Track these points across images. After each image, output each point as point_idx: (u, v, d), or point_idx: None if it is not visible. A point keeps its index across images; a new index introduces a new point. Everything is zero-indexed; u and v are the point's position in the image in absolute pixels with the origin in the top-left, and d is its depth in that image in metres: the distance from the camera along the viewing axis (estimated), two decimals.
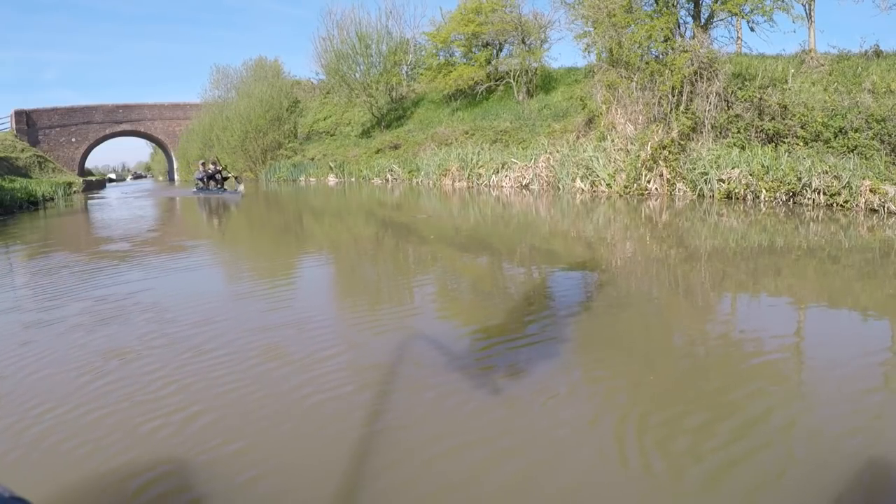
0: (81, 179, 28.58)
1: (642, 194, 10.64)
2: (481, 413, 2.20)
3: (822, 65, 13.68)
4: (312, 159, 25.93)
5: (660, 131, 10.97)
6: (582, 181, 11.95)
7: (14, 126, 30.48)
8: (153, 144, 47.17)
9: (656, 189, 10.62)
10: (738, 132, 10.44)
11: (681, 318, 3.37)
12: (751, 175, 9.15)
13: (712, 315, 3.28)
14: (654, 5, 12.62)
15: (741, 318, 3.23)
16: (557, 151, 13.17)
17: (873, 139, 8.79)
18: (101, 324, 3.49)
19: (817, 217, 7.36)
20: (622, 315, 3.33)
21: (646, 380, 2.43)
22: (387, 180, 19.30)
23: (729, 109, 11.06)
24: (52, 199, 19.80)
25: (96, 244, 7.94)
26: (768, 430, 1.98)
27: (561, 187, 12.39)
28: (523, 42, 21.31)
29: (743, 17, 12.40)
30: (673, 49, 12.14)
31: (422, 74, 25.95)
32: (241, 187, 16.41)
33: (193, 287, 4.72)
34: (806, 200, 8.37)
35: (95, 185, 30.57)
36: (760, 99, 10.63)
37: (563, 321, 3.26)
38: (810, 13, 14.65)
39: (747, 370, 2.51)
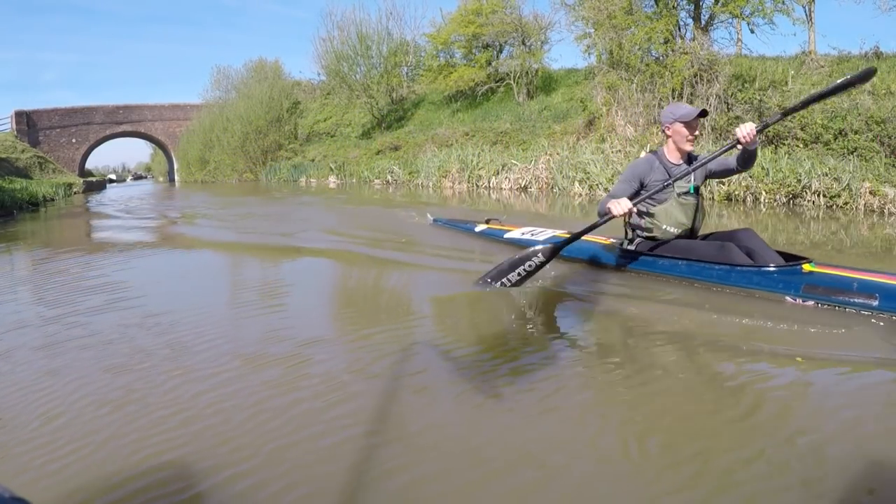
0: (82, 180, 28.63)
1: None
2: (491, 418, 2.19)
3: (823, 66, 13.69)
4: (313, 160, 25.96)
5: (660, 133, 10.98)
6: (580, 185, 11.95)
7: (14, 127, 30.53)
8: (153, 145, 47.21)
9: None
10: None
11: (689, 320, 3.36)
12: (750, 177, 9.15)
13: (723, 318, 3.26)
14: (655, 7, 12.65)
15: (749, 318, 3.22)
16: (557, 153, 13.17)
17: (873, 141, 8.80)
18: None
19: (817, 216, 7.36)
20: (630, 318, 3.33)
21: (657, 384, 2.43)
22: (387, 182, 19.31)
23: (729, 111, 11.08)
24: (53, 199, 19.85)
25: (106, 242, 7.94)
26: (777, 433, 1.98)
27: (559, 190, 12.39)
28: (523, 43, 21.35)
29: (743, 19, 12.43)
30: (673, 51, 12.16)
31: (422, 76, 26.02)
32: None
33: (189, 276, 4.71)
34: (806, 202, 8.38)
35: (96, 185, 30.64)
36: (760, 101, 10.65)
37: (580, 325, 3.25)
38: (810, 14, 14.68)
39: (755, 372, 2.51)
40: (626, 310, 3.40)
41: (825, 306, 3.05)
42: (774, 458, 1.81)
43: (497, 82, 22.00)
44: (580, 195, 11.70)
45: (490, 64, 22.31)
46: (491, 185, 14.50)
